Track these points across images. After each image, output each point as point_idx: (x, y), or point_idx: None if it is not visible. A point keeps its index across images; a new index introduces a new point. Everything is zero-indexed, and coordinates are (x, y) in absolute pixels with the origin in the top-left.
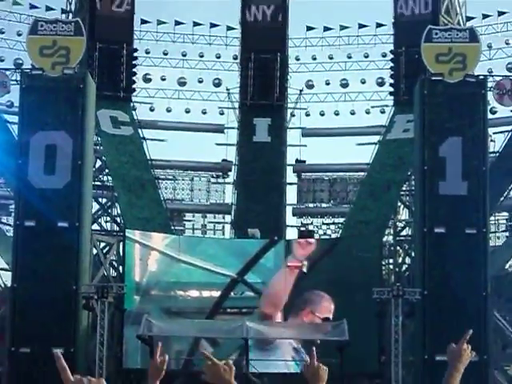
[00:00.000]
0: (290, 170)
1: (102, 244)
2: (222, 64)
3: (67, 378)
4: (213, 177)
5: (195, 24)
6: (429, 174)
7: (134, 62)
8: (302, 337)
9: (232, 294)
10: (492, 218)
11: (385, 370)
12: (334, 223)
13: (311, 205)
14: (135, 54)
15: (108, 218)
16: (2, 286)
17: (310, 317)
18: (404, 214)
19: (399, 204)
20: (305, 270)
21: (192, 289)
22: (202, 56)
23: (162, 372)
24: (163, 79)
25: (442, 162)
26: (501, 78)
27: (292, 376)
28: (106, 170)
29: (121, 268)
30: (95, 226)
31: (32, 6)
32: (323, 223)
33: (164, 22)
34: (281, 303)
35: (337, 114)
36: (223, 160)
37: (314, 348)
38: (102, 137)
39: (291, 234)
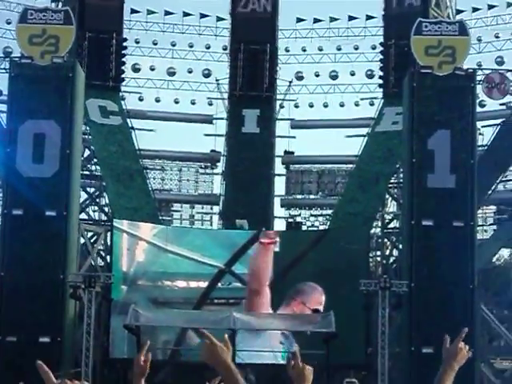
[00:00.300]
0: (278, 161)
1: (90, 233)
2: (212, 54)
3: (50, 381)
4: (201, 167)
5: (185, 14)
6: (417, 166)
7: (123, 52)
8: (289, 328)
9: (219, 284)
10: (480, 211)
11: (371, 362)
12: (322, 215)
13: (299, 196)
14: (125, 44)
15: (96, 208)
16: None
17: (300, 307)
18: (392, 206)
19: (387, 196)
20: (277, 248)
21: (179, 279)
22: (191, 46)
23: (145, 371)
24: (152, 69)
25: (431, 155)
26: (490, 71)
27: (280, 367)
28: (95, 160)
29: (108, 258)
30: (83, 216)
31: None
32: (311, 215)
33: (154, 12)
34: (264, 278)
35: (326, 105)
36: (212, 151)
37: (297, 348)
38: (91, 126)
39: (279, 225)
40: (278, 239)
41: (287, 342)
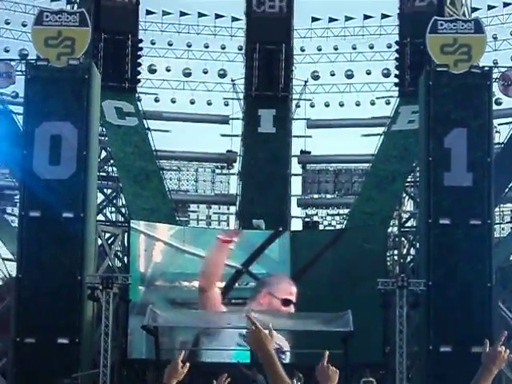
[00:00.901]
0: (294, 160)
1: (107, 235)
2: (227, 55)
3: None
4: (217, 168)
5: (200, 15)
6: (434, 165)
7: (139, 53)
8: (305, 328)
9: (237, 284)
10: (497, 209)
11: (389, 361)
12: (338, 214)
13: (316, 196)
14: (140, 45)
15: (113, 209)
16: (7, 276)
17: (267, 299)
18: (409, 205)
19: (404, 195)
20: (232, 247)
21: (197, 280)
22: (207, 47)
23: (181, 376)
24: (168, 70)
25: (447, 153)
26: (506, 69)
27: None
28: (111, 161)
29: (126, 259)
30: (100, 217)
31: None
32: (328, 214)
33: (169, 13)
34: (212, 275)
35: (342, 105)
36: (228, 151)
37: (326, 352)
38: (107, 127)
39: (296, 225)
40: (236, 239)
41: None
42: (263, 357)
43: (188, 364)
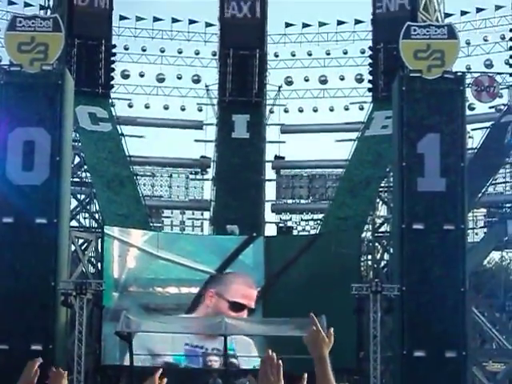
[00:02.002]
0: (268, 166)
1: (81, 240)
2: (201, 60)
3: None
4: (191, 173)
5: (174, 20)
6: (407, 170)
7: (112, 58)
8: (280, 333)
9: None
10: (470, 214)
11: (363, 366)
12: (312, 219)
13: (290, 201)
14: (114, 50)
15: (86, 215)
16: None
17: (213, 300)
18: (382, 210)
19: (378, 200)
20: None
21: (171, 285)
22: (180, 52)
23: None
24: (142, 75)
25: (421, 159)
26: (479, 74)
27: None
28: (85, 167)
29: (99, 265)
30: (73, 223)
31: (10, 2)
32: (302, 219)
33: (142, 18)
34: None
35: (315, 110)
36: (202, 156)
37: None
38: (81, 133)
39: (270, 230)
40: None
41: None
42: (316, 359)
43: (165, 380)
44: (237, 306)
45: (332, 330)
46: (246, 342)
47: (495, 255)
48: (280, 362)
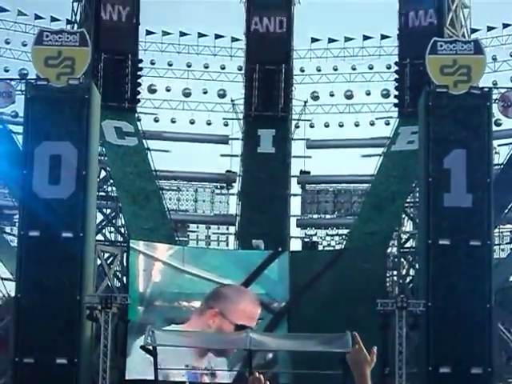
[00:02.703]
0: (294, 181)
1: (106, 254)
2: (227, 75)
3: None
4: (217, 188)
5: (200, 35)
6: (433, 185)
7: (138, 73)
8: (306, 348)
9: None
10: (496, 230)
11: (388, 382)
12: (338, 234)
13: (315, 216)
14: (140, 65)
15: (112, 229)
16: (6, 296)
17: (217, 320)
18: (408, 225)
19: (403, 216)
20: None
21: (196, 299)
22: (206, 67)
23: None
24: (168, 90)
25: (447, 174)
26: (505, 90)
27: None
28: (111, 181)
29: (125, 279)
30: (99, 237)
31: (37, 17)
32: (327, 234)
33: (169, 33)
34: None
35: (341, 125)
36: (227, 171)
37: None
38: (107, 147)
39: (295, 245)
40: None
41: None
42: (357, 376)
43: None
44: (240, 328)
45: (375, 349)
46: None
47: None
48: (268, 383)
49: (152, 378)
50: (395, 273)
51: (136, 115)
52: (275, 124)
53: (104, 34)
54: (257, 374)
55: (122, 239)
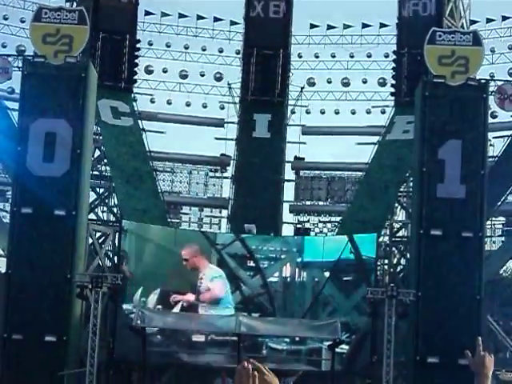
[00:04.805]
0: (288, 166)
1: (98, 234)
2: (224, 58)
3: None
4: (211, 171)
5: (199, 17)
6: (427, 175)
7: (136, 53)
8: (295, 334)
9: None
10: (488, 222)
11: (376, 370)
12: (330, 221)
13: (308, 202)
14: (138, 45)
15: (105, 208)
16: None
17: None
18: (401, 215)
19: (396, 205)
20: None
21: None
22: (204, 50)
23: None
24: (165, 71)
25: (441, 165)
26: (502, 82)
27: None
28: (105, 160)
29: (116, 258)
30: (92, 216)
31: None
32: (320, 221)
33: (168, 15)
34: None
35: (337, 112)
36: (222, 154)
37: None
38: (102, 127)
39: (287, 230)
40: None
41: None
42: (482, 376)
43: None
44: None
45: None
46: None
47: None
48: (256, 372)
49: None
50: (386, 261)
51: (132, 95)
52: (271, 109)
53: (103, 12)
54: (245, 364)
55: (114, 219)
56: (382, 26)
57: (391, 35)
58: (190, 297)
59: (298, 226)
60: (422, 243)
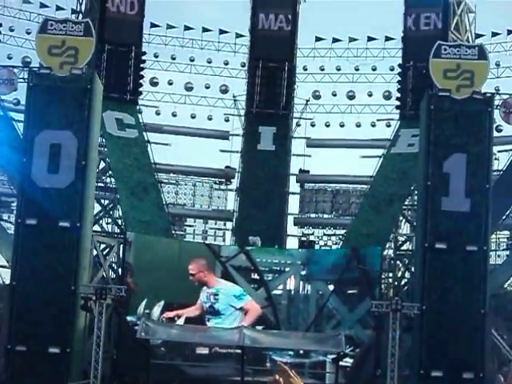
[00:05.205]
0: (293, 179)
1: (103, 245)
2: (230, 71)
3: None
4: (215, 183)
5: (204, 30)
6: (432, 189)
7: (141, 65)
8: (299, 347)
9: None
10: (493, 236)
11: None
12: (335, 234)
13: (313, 215)
14: (143, 57)
15: (109, 220)
16: (1, 283)
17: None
18: (405, 228)
19: (401, 218)
20: None
21: None
22: (209, 62)
23: None
24: (170, 83)
25: (446, 178)
26: (508, 96)
27: None
28: (110, 172)
29: (120, 270)
30: (96, 228)
31: (42, 5)
32: (324, 234)
33: (173, 27)
34: None
35: (342, 125)
36: (227, 167)
37: None
38: (107, 138)
39: (292, 243)
40: None
41: None
42: None
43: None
44: None
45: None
46: None
47: None
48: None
49: None
50: (391, 275)
51: (137, 107)
52: (276, 121)
53: (108, 25)
54: (277, 377)
55: (118, 231)
56: (388, 39)
57: (396, 48)
58: (188, 312)
59: (303, 238)
60: (426, 256)
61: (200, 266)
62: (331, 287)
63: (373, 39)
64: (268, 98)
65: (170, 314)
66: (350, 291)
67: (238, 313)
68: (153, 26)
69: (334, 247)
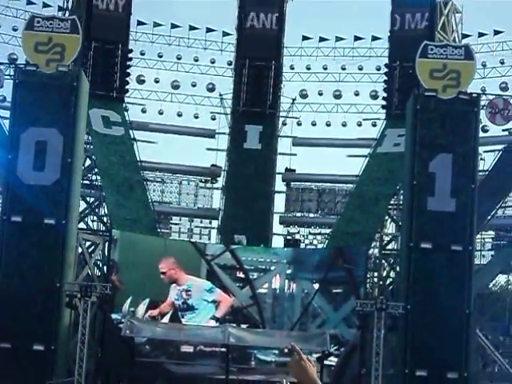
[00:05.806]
0: (279, 178)
1: (88, 243)
2: (217, 69)
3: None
4: (201, 181)
5: (191, 28)
6: (417, 189)
7: (128, 63)
8: (284, 345)
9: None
10: (478, 236)
11: (364, 383)
12: (320, 233)
13: (299, 214)
14: (130, 55)
15: (95, 218)
16: None
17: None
18: (391, 227)
19: (386, 217)
20: None
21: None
22: (196, 60)
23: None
24: (157, 81)
25: (432, 178)
26: (494, 96)
27: None
28: (95, 170)
29: (105, 268)
30: (82, 225)
31: (29, 2)
32: (310, 233)
33: (160, 25)
34: None
35: (328, 124)
36: (213, 165)
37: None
38: (93, 136)
39: (277, 242)
40: None
41: None
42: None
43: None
44: None
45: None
46: None
47: (501, 278)
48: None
49: None
50: (376, 274)
51: (124, 105)
52: (263, 120)
53: (95, 22)
54: (305, 357)
55: (104, 228)
56: (374, 38)
57: (383, 48)
58: (166, 308)
59: (288, 237)
60: (411, 256)
61: (170, 263)
62: (316, 286)
63: (359, 39)
64: (254, 96)
65: (154, 313)
66: (335, 290)
67: (210, 305)
68: (140, 23)
69: (319, 246)
